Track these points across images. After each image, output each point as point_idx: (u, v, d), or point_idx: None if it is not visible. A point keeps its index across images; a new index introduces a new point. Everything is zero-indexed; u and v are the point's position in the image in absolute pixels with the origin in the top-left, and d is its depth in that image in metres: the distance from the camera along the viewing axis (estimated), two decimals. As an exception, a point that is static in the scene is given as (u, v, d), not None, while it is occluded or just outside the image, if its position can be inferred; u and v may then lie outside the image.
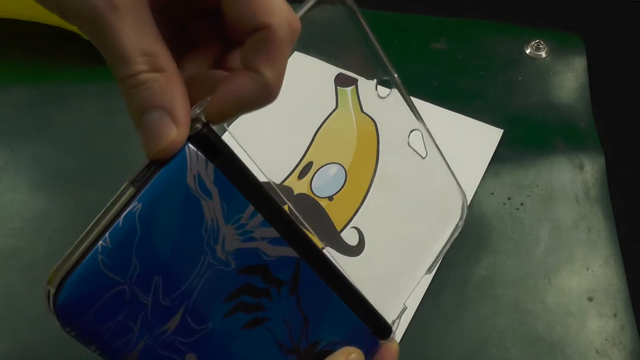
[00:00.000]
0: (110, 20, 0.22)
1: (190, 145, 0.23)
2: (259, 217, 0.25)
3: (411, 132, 0.35)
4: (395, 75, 0.32)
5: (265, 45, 0.23)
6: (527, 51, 0.60)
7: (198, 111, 0.23)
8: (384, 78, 0.34)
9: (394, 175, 0.52)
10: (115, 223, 0.21)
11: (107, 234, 0.21)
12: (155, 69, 0.22)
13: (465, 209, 0.34)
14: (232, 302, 0.25)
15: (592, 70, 0.59)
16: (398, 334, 0.44)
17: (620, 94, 0.59)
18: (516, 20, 0.62)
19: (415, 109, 0.33)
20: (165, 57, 0.23)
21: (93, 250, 0.21)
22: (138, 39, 0.22)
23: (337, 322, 0.28)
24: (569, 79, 0.58)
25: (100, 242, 0.21)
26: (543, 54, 0.59)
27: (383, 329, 0.30)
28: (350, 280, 0.29)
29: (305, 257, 0.27)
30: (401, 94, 0.32)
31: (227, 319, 0.25)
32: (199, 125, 0.23)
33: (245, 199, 0.24)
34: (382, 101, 0.35)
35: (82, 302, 0.21)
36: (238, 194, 0.24)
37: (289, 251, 0.26)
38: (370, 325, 0.30)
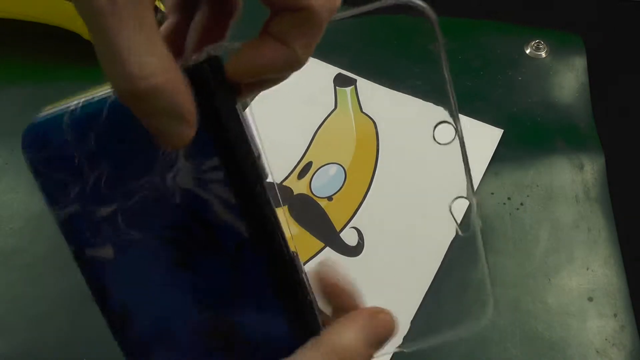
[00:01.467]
0: (112, 20, 0.20)
1: (185, 73, 0.22)
2: (221, 174, 0.24)
3: (456, 199, 0.32)
4: (460, 126, 0.29)
5: (303, 25, 0.23)
6: (527, 51, 0.60)
7: (210, 50, 0.23)
8: (445, 120, 0.30)
9: (394, 175, 0.52)
10: (91, 97, 0.24)
11: (80, 101, 0.24)
12: (164, 68, 0.21)
13: (491, 308, 0.31)
14: (167, 232, 0.25)
15: (592, 70, 0.59)
16: (398, 333, 0.44)
17: (620, 94, 0.59)
18: (516, 20, 0.62)
19: (470, 174, 0.30)
20: (168, 58, 0.22)
21: (64, 107, 0.24)
22: (146, 37, 0.21)
23: (264, 317, 0.26)
24: (569, 79, 0.58)
25: (73, 105, 0.24)
26: (543, 54, 0.59)
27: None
28: (312, 310, 0.26)
29: (256, 243, 0.25)
30: (461, 147, 0.29)
31: (157, 244, 0.25)
32: (204, 63, 0.23)
33: (214, 149, 0.24)
34: (440, 146, 0.32)
35: (39, 140, 0.24)
36: (209, 140, 0.24)
37: (240, 226, 0.25)
38: (297, 336, 0.26)
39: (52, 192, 0.25)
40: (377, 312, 0.27)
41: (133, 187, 0.24)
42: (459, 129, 0.28)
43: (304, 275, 0.26)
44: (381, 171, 0.52)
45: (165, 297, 0.26)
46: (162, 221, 0.25)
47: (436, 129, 0.32)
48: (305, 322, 0.26)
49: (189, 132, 0.22)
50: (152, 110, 0.21)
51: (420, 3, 0.25)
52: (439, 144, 0.33)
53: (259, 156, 0.25)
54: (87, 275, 0.25)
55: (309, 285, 0.26)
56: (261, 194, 0.25)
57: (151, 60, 0.21)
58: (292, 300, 0.26)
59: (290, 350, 0.26)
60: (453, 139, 0.28)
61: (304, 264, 0.47)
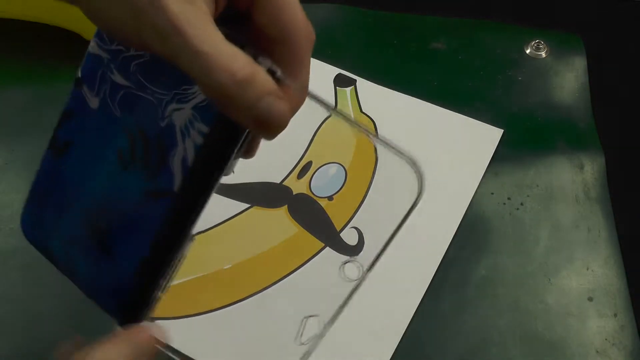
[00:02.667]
0: (200, 28, 0.23)
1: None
2: (200, 141, 0.26)
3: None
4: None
5: (291, 57, 0.27)
6: (527, 51, 0.60)
7: (268, 65, 0.26)
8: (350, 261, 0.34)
9: (394, 175, 0.52)
10: None
11: None
12: (244, 62, 0.24)
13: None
14: (135, 132, 0.28)
15: (592, 70, 0.59)
16: (397, 333, 0.44)
17: (620, 94, 0.59)
18: (516, 20, 0.62)
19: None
20: (241, 51, 0.24)
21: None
22: (218, 37, 0.24)
23: (121, 259, 0.28)
24: (569, 79, 0.58)
25: None
26: (543, 54, 0.59)
27: (129, 317, 0.29)
28: (152, 292, 0.28)
29: (176, 202, 0.27)
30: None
31: (121, 131, 0.28)
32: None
33: (212, 122, 0.26)
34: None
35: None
36: (213, 115, 0.26)
37: (178, 181, 0.27)
38: (121, 309, 0.29)
39: (100, 39, 0.29)
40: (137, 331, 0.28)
41: (149, 88, 0.27)
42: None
43: (179, 260, 0.28)
44: (381, 171, 0.52)
45: (90, 169, 0.29)
46: (140, 123, 0.27)
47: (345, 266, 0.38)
48: (140, 300, 0.28)
49: (288, 110, 0.25)
50: (256, 94, 0.24)
51: (411, 157, 0.30)
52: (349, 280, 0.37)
53: (231, 162, 0.27)
54: (70, 100, 0.30)
55: (172, 272, 0.28)
56: (210, 180, 0.27)
57: (238, 54, 0.24)
58: (152, 269, 0.28)
59: (113, 310, 0.29)
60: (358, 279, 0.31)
61: (305, 263, 0.47)
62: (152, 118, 0.27)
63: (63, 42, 0.58)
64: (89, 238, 0.29)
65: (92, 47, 0.29)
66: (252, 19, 0.27)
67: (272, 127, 0.25)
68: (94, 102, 0.29)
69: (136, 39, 0.24)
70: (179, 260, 0.28)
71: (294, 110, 0.27)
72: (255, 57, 0.25)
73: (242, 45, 0.25)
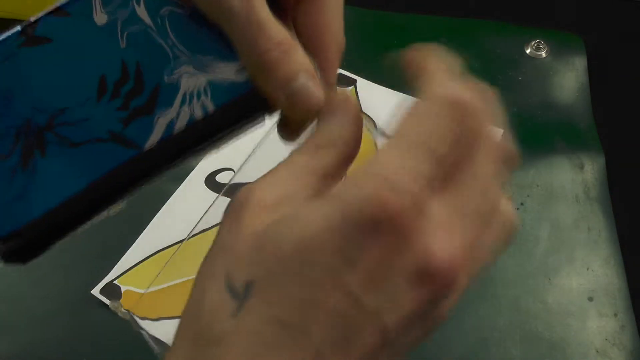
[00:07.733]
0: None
1: None
2: (200, 114, 0.25)
3: None
4: None
5: (322, 60, 0.27)
6: (527, 51, 0.60)
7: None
8: None
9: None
10: None
11: None
12: (289, 38, 0.25)
13: None
14: (123, 72, 0.26)
15: (592, 70, 0.59)
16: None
17: (620, 94, 0.59)
18: (516, 20, 0.62)
19: None
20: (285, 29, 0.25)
21: None
22: (270, 14, 0.25)
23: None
24: (569, 79, 0.58)
25: None
26: (543, 54, 0.59)
27: None
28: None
29: (137, 160, 0.25)
30: None
31: (113, 67, 0.26)
32: None
33: (225, 103, 0.25)
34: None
35: None
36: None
37: (151, 140, 0.25)
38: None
39: None
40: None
41: (171, 39, 0.26)
42: None
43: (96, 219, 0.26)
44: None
45: (58, 77, 0.26)
46: (142, 63, 0.26)
47: None
48: (35, 239, 0.25)
49: (320, 94, 0.25)
50: (295, 68, 0.24)
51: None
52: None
53: (208, 150, 0.26)
54: None
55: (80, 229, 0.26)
56: (181, 156, 0.25)
57: (283, 29, 0.25)
58: (72, 214, 0.25)
59: None
60: None
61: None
62: (158, 67, 0.26)
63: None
64: (17, 141, 0.25)
65: None
66: (293, 16, 0.27)
67: (303, 105, 0.25)
68: (100, 18, 0.27)
69: None
70: (95, 219, 0.25)
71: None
72: None
73: None
